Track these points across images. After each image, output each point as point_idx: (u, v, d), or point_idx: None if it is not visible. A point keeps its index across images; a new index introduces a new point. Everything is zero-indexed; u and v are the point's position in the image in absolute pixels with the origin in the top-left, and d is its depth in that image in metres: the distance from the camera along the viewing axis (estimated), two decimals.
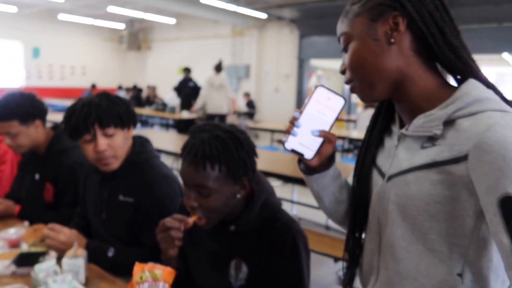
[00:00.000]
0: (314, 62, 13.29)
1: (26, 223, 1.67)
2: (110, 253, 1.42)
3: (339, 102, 0.86)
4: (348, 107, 15.38)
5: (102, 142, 1.40)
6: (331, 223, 4.14)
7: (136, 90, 12.25)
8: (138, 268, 1.11)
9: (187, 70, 9.33)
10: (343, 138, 6.19)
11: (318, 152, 0.86)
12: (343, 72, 0.87)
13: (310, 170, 0.90)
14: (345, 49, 0.84)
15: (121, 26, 15.22)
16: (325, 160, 0.89)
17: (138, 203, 1.49)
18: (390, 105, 0.90)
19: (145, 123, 9.86)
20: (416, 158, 0.77)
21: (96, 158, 1.44)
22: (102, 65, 16.12)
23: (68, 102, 7.72)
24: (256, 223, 1.16)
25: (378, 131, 0.91)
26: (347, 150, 6.53)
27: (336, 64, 16.72)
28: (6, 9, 12.07)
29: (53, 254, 1.41)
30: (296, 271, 1.14)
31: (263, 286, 1.16)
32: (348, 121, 10.51)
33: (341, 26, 0.85)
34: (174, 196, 1.50)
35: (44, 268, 1.24)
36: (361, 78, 0.82)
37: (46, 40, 14.31)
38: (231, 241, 1.20)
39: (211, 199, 1.07)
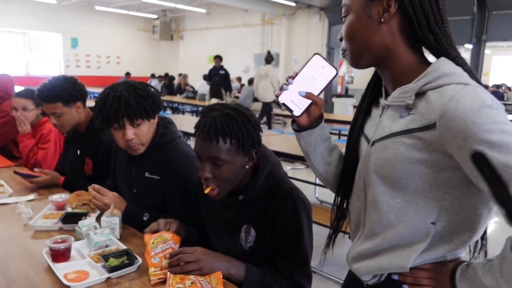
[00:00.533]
0: None
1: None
2: (145, 217, 1.61)
3: (332, 72, 0.97)
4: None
5: (130, 132, 1.55)
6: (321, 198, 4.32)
7: (168, 78, 12.57)
8: (147, 237, 1.31)
9: (218, 58, 9.46)
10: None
11: (307, 111, 0.99)
12: (340, 39, 0.98)
13: (299, 127, 1.04)
14: (344, 19, 0.96)
15: (153, 16, 15.59)
16: (313, 121, 1.02)
17: (164, 180, 1.65)
18: (379, 80, 1.02)
19: (176, 110, 10.16)
20: (395, 125, 0.90)
21: (125, 145, 1.60)
22: (136, 54, 16.60)
23: None
24: (262, 192, 1.30)
25: (367, 103, 1.04)
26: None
27: None
28: (46, 1, 12.61)
29: (92, 215, 1.64)
30: (296, 232, 1.28)
31: (269, 247, 1.31)
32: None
33: None
34: (196, 173, 1.66)
35: (86, 224, 1.45)
36: (352, 48, 0.94)
37: (83, 31, 14.91)
38: (241, 209, 1.34)
39: (224, 169, 1.20)
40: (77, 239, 1.43)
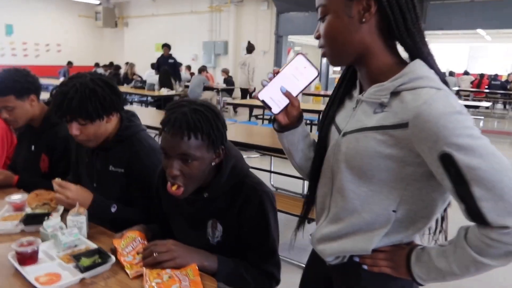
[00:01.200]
0: (292, 38, 13.35)
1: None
2: (113, 209, 1.60)
3: (313, 73, 1.00)
4: (326, 83, 15.61)
5: (74, 128, 1.55)
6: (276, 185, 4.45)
7: (114, 67, 12.13)
8: (116, 242, 1.32)
9: (167, 47, 9.26)
10: (318, 112, 6.40)
11: (285, 110, 1.02)
12: (317, 37, 1.01)
13: (281, 128, 1.08)
14: (322, 19, 0.99)
15: (96, 1, 14.87)
16: (293, 120, 1.06)
17: (128, 173, 1.63)
18: (353, 73, 1.08)
19: (124, 100, 9.82)
20: (368, 120, 0.95)
21: (74, 138, 1.60)
22: (78, 42, 15.81)
23: (44, 81, 7.65)
24: (226, 188, 1.32)
25: (340, 94, 1.10)
26: None
27: (313, 40, 16.80)
28: None
29: (55, 215, 1.59)
30: (263, 226, 1.33)
31: (236, 240, 1.35)
32: (325, 96, 10.72)
33: None
34: (160, 166, 1.68)
35: (51, 224, 1.41)
36: (332, 47, 0.98)
37: (19, 17, 13.93)
38: (206, 205, 1.35)
39: (193, 166, 1.20)
40: (42, 241, 1.39)
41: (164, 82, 8.71)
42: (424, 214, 0.96)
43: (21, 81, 1.92)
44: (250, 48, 9.11)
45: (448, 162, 0.81)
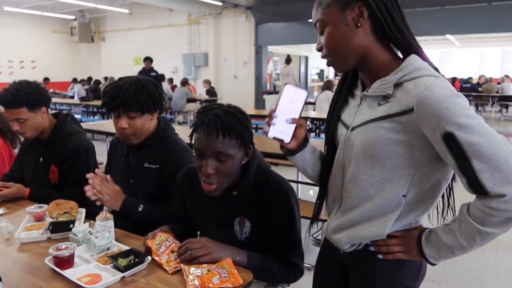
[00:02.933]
0: (271, 48, 13.57)
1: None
2: (140, 208, 1.69)
3: (303, 94, 1.12)
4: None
5: (123, 121, 1.68)
6: (301, 197, 4.52)
7: (94, 82, 12.04)
8: (149, 242, 1.37)
9: (148, 60, 9.30)
10: (305, 118, 6.55)
11: (294, 135, 1.12)
12: (319, 49, 1.12)
13: (291, 152, 1.18)
14: (321, 33, 1.09)
15: (71, 17, 14.75)
16: (301, 141, 1.16)
17: (163, 168, 1.75)
18: (353, 76, 1.18)
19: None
20: (374, 112, 1.05)
21: (119, 133, 1.73)
22: (54, 58, 15.57)
23: None
24: (253, 186, 1.40)
25: (344, 94, 1.20)
26: (309, 130, 6.92)
27: (292, 49, 16.97)
28: None
29: (77, 222, 1.63)
30: (289, 219, 1.41)
31: (264, 235, 1.42)
32: (306, 103, 10.96)
33: (316, 14, 1.08)
34: (190, 163, 1.75)
35: (81, 230, 1.45)
36: (336, 55, 1.08)
37: None
38: (233, 203, 1.43)
39: (228, 164, 1.28)
40: None
41: None
42: (430, 195, 1.06)
43: (33, 93, 1.96)
44: (288, 60, 10.87)
45: (450, 140, 0.92)
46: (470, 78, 15.02)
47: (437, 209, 1.14)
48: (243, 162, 1.36)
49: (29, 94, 1.95)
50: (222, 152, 1.26)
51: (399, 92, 1.01)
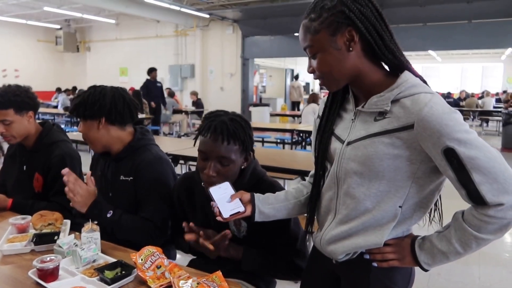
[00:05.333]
0: (257, 60, 13.67)
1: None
2: (109, 214, 1.63)
3: (226, 183, 1.27)
4: (291, 104, 16.11)
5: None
6: None
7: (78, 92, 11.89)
8: (133, 256, 1.33)
9: (154, 70, 9.20)
10: (291, 131, 6.59)
11: (244, 203, 1.23)
12: (311, 72, 1.13)
13: (260, 216, 1.26)
14: (313, 57, 1.10)
15: (56, 26, 14.63)
16: (251, 204, 1.25)
17: (135, 180, 1.72)
18: (344, 89, 1.19)
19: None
20: (371, 128, 1.07)
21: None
22: (37, 67, 15.39)
23: None
24: (247, 187, 1.40)
25: (336, 108, 1.21)
26: (296, 142, 6.95)
27: (278, 62, 17.10)
28: None
29: (62, 234, 1.60)
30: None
31: (261, 233, 1.44)
32: (293, 116, 11.03)
33: (305, 40, 1.08)
34: (165, 175, 1.74)
35: (67, 241, 1.42)
36: (330, 78, 1.10)
37: None
38: None
39: (229, 168, 1.35)
40: None
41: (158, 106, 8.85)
42: (423, 205, 1.10)
43: (21, 96, 1.96)
44: (297, 76, 14.68)
45: (451, 155, 0.95)
46: (449, 93, 15.37)
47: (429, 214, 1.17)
48: (242, 167, 1.42)
49: (17, 96, 1.95)
50: (225, 156, 1.33)
51: (396, 108, 1.03)
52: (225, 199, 1.23)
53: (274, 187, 1.44)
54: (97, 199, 1.62)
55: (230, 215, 1.20)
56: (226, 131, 1.32)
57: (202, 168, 1.36)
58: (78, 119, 1.74)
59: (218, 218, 1.20)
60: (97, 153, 1.87)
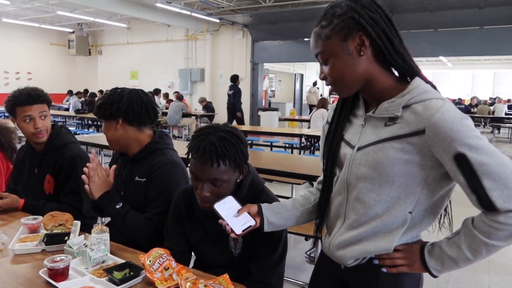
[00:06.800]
0: (267, 65, 13.70)
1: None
2: (118, 206, 1.68)
3: (229, 197, 1.26)
4: (300, 108, 16.08)
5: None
6: None
7: (90, 95, 12.06)
8: (142, 257, 1.34)
9: (237, 78, 10.12)
10: (300, 136, 6.58)
11: (253, 215, 1.24)
12: (323, 78, 1.14)
13: (269, 226, 1.26)
14: (324, 63, 1.11)
15: (69, 30, 14.83)
16: (260, 216, 1.25)
17: (147, 182, 1.76)
18: (353, 96, 1.19)
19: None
20: (382, 133, 1.08)
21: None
22: (49, 70, 15.59)
23: None
24: (246, 202, 1.37)
25: (346, 114, 1.21)
26: (304, 147, 6.94)
27: (287, 67, 17.18)
28: None
29: (72, 235, 1.62)
30: (275, 239, 1.41)
31: (254, 249, 1.42)
32: (300, 120, 11.03)
33: (317, 46, 1.09)
34: (175, 179, 1.75)
35: (76, 242, 1.45)
36: (342, 83, 1.11)
37: None
38: None
39: (222, 188, 1.32)
40: None
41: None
42: (433, 211, 1.10)
43: (47, 94, 2.10)
44: (315, 83, 15.63)
45: (462, 160, 0.95)
46: (460, 99, 15.26)
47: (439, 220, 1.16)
48: (238, 180, 1.39)
49: (46, 94, 2.10)
50: (217, 178, 1.30)
51: (407, 114, 1.03)
52: (232, 214, 1.22)
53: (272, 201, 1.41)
54: (111, 190, 1.69)
55: (243, 231, 1.20)
56: (215, 153, 1.26)
57: (195, 188, 1.35)
58: (101, 120, 1.82)
59: (232, 235, 1.19)
60: (116, 156, 1.92)
